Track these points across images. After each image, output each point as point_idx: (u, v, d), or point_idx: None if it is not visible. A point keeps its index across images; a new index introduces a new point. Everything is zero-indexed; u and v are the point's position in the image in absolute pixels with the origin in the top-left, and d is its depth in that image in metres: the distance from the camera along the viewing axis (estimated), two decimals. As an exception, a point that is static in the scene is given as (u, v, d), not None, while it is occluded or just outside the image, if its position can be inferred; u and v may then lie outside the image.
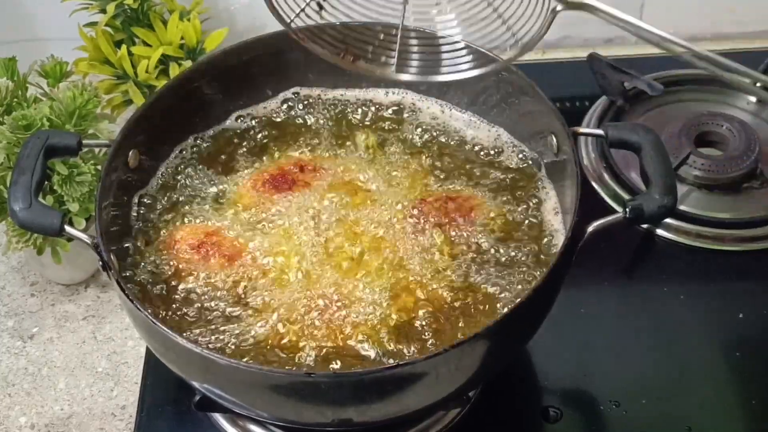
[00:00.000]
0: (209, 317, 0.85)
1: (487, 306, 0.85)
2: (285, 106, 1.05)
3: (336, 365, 0.81)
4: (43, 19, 1.30)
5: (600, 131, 0.89)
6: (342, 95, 1.05)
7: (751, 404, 0.96)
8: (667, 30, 1.39)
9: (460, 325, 0.84)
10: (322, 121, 1.03)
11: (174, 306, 0.86)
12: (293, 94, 1.05)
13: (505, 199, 0.94)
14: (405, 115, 1.03)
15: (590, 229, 0.81)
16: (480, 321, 0.84)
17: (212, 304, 0.86)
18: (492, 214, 0.92)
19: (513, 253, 0.89)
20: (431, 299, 0.85)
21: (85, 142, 0.89)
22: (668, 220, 1.10)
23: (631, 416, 0.95)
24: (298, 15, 0.82)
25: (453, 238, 0.90)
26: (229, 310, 0.86)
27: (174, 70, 1.15)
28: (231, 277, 0.88)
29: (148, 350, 1.01)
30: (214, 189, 0.96)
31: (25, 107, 1.02)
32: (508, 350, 0.85)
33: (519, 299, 0.78)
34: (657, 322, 1.03)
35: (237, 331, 0.84)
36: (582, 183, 0.84)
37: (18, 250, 1.03)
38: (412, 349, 0.82)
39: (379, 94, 1.05)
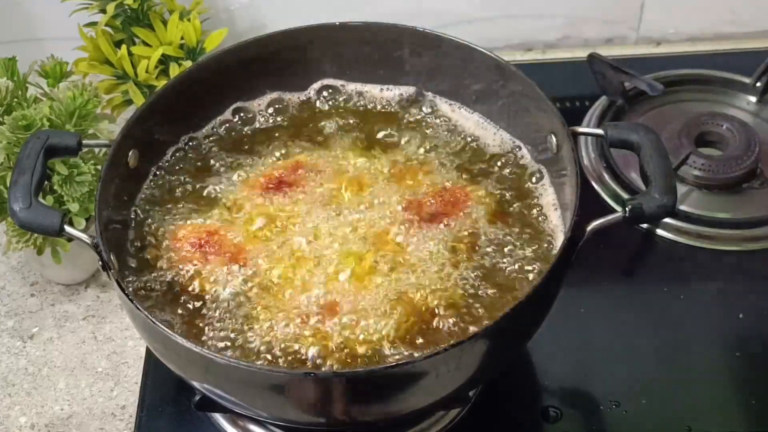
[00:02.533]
0: (211, 315, 0.85)
1: (486, 305, 0.85)
2: (285, 105, 1.05)
3: (338, 366, 0.80)
4: (43, 19, 1.30)
5: (600, 131, 0.89)
6: (343, 93, 1.05)
7: (751, 404, 0.96)
8: (667, 30, 1.40)
9: (459, 323, 0.84)
10: (321, 120, 1.03)
11: (175, 305, 0.86)
12: (293, 93, 1.05)
13: (504, 197, 0.94)
14: (406, 113, 1.03)
15: (590, 228, 0.81)
16: (479, 320, 0.84)
17: (213, 302, 0.86)
18: (490, 213, 0.92)
19: (512, 252, 0.89)
20: (432, 298, 0.85)
21: (85, 142, 0.89)
22: (668, 220, 1.10)
23: (631, 416, 0.95)
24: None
25: (452, 235, 0.90)
26: (230, 307, 0.86)
27: (174, 70, 1.15)
28: (233, 276, 0.87)
29: (148, 350, 1.01)
30: (214, 188, 0.96)
31: (25, 107, 1.02)
32: (508, 350, 0.85)
33: (519, 299, 0.78)
34: (657, 322, 1.03)
35: (238, 330, 0.84)
36: (582, 183, 0.84)
37: (18, 250, 1.03)
38: (414, 349, 0.82)
39: (379, 92, 1.05)
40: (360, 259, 0.88)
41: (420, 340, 0.82)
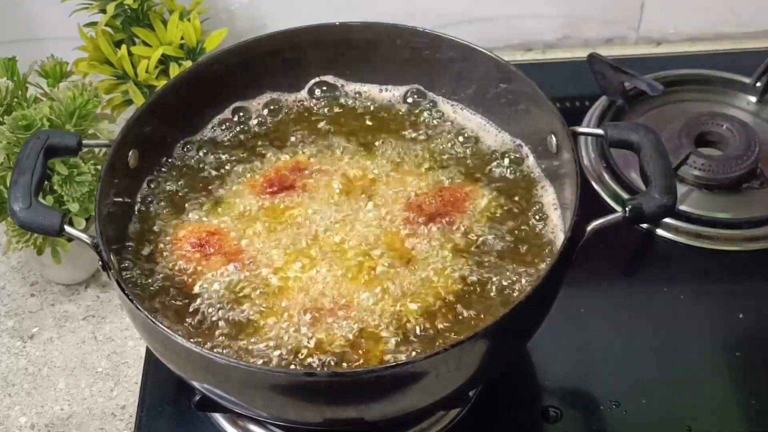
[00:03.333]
0: (211, 316, 0.85)
1: (485, 304, 0.85)
2: (284, 105, 1.05)
3: (339, 366, 0.80)
4: (43, 19, 1.30)
5: (600, 131, 0.89)
6: (343, 93, 1.05)
7: (751, 404, 0.96)
8: (668, 30, 1.40)
9: (459, 323, 0.84)
10: (321, 120, 1.03)
11: (175, 305, 0.86)
12: (293, 93, 1.05)
13: (503, 197, 0.94)
14: (406, 113, 1.03)
15: (590, 228, 0.81)
16: (479, 320, 0.84)
17: (214, 302, 0.86)
18: (490, 212, 0.92)
19: (511, 252, 0.89)
20: (431, 297, 0.85)
21: (85, 142, 0.89)
22: (668, 220, 1.10)
23: (631, 416, 0.95)
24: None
25: (452, 235, 0.90)
26: (230, 308, 0.86)
27: (174, 70, 1.15)
28: (233, 276, 0.87)
29: (148, 350, 1.01)
30: (215, 188, 0.96)
31: (25, 107, 1.02)
32: (508, 350, 0.85)
33: (519, 299, 0.78)
34: (657, 322, 1.03)
35: (239, 330, 0.84)
36: (582, 183, 0.84)
37: (18, 250, 1.03)
38: (414, 348, 0.82)
39: (378, 92, 1.05)
40: (359, 258, 0.88)
41: (419, 340, 0.82)
